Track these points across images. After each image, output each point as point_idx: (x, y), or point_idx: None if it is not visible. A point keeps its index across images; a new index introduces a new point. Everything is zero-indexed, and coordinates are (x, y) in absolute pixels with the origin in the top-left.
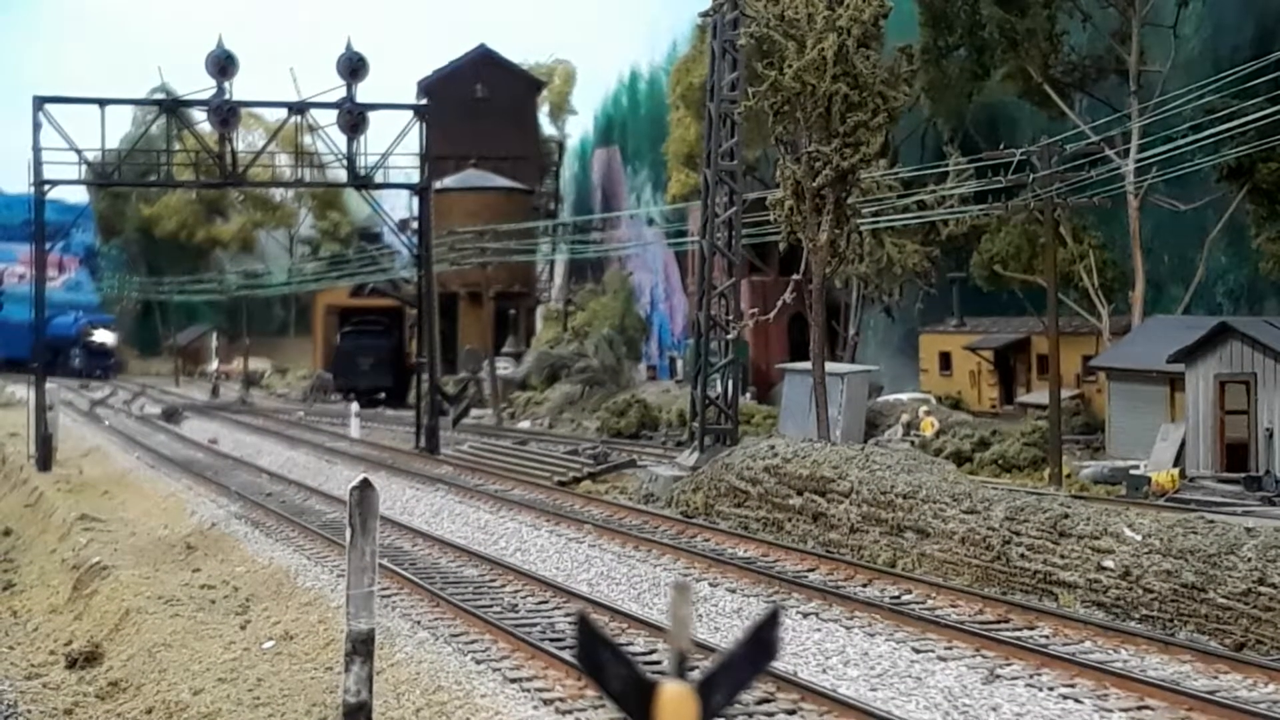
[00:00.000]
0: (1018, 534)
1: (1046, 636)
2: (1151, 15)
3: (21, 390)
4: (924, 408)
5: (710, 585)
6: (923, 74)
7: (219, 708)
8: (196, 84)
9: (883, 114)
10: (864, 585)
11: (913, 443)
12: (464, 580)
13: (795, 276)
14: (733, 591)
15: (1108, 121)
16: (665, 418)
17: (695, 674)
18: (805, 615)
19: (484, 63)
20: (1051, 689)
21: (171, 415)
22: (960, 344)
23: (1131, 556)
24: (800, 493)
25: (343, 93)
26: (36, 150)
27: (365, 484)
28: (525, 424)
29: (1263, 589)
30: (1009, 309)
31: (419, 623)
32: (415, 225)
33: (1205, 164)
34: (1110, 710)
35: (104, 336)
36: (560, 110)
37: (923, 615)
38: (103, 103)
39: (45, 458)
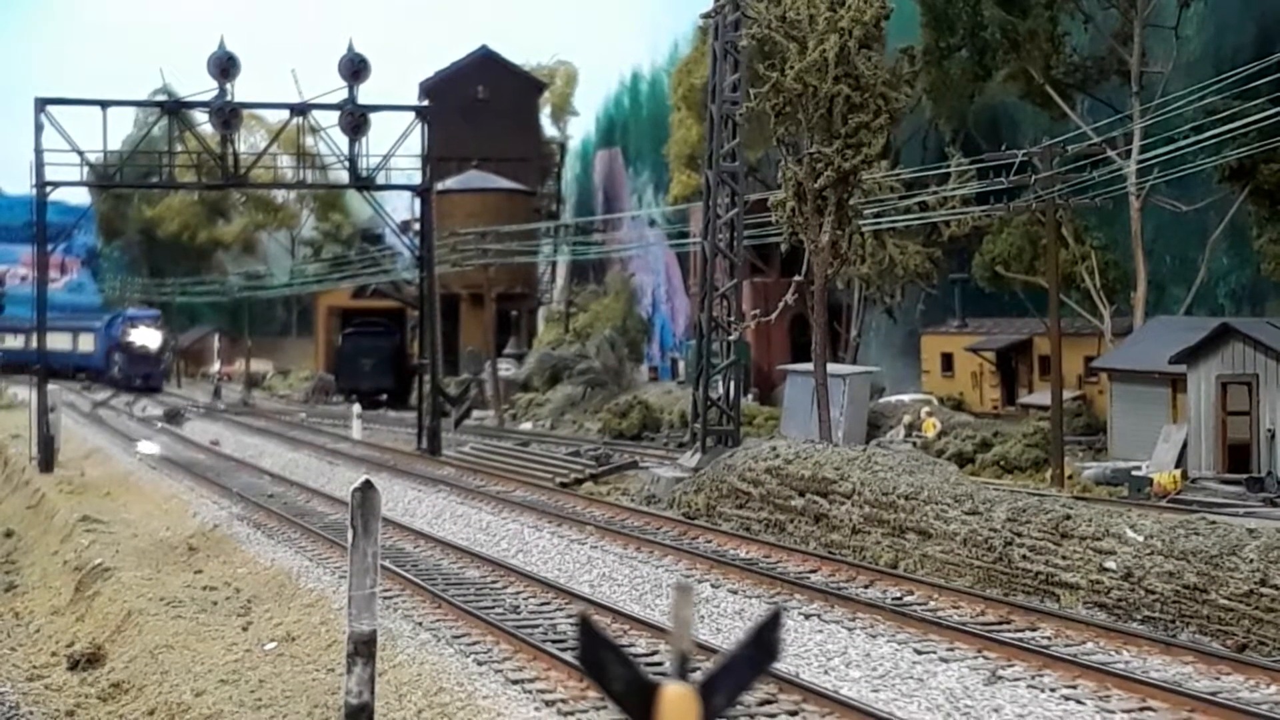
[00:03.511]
0: (1020, 535)
1: (1048, 638)
2: (1153, 16)
3: (24, 392)
4: (926, 409)
5: (712, 586)
6: (924, 75)
7: (221, 709)
8: (198, 85)
9: (884, 115)
10: (866, 587)
11: (914, 444)
12: (466, 581)
13: (797, 278)
14: (734, 593)
15: (1109, 122)
16: (667, 419)
17: (697, 675)
18: (807, 616)
19: (485, 64)
20: (1053, 690)
21: (173, 417)
22: (962, 345)
23: (1133, 557)
24: (802, 494)
25: (344, 94)
26: (38, 152)
27: (367, 485)
28: (527, 425)
29: (1265, 590)
30: (1011, 310)
31: (421, 624)
32: (417, 227)
33: (1207, 165)
34: (1112, 711)
35: (145, 337)
36: (562, 111)
37: (925, 616)
38: (104, 104)
39: (47, 459)
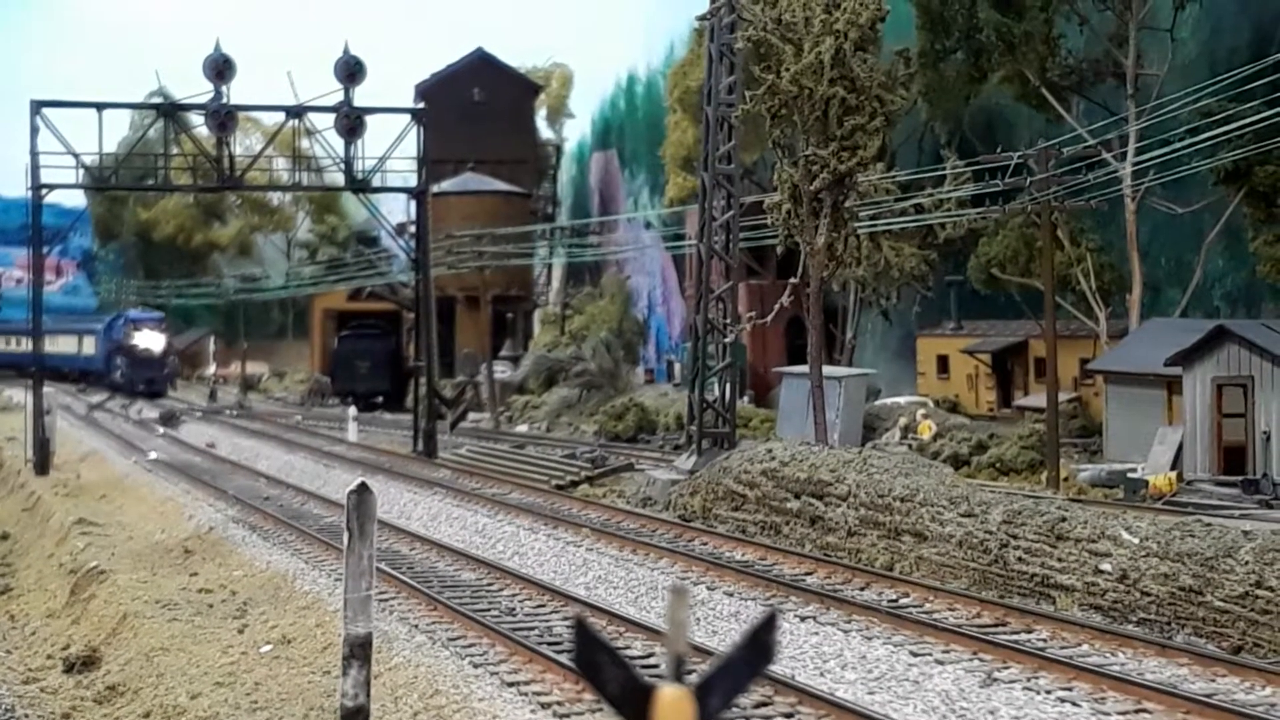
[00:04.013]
0: (1015, 537)
1: (1044, 639)
2: (1148, 18)
3: (19, 394)
4: (922, 411)
5: (708, 589)
6: (920, 77)
7: (217, 712)
8: (194, 88)
9: (880, 117)
10: (861, 588)
11: (910, 446)
12: (462, 584)
13: (793, 280)
14: (730, 595)
15: (1105, 125)
16: (663, 421)
17: (693, 677)
18: (803, 618)
19: (481, 66)
20: (1049, 692)
21: (169, 419)
22: (958, 347)
23: (1129, 559)
24: (798, 496)
25: (340, 96)
26: (34, 154)
27: (363, 488)
28: (523, 427)
29: (1260, 592)
30: (1006, 312)
31: (417, 626)
32: (413, 229)
33: (1202, 167)
34: (1108, 713)
35: (149, 340)
36: (558, 114)
37: (920, 618)
38: (100, 106)
39: (43, 462)
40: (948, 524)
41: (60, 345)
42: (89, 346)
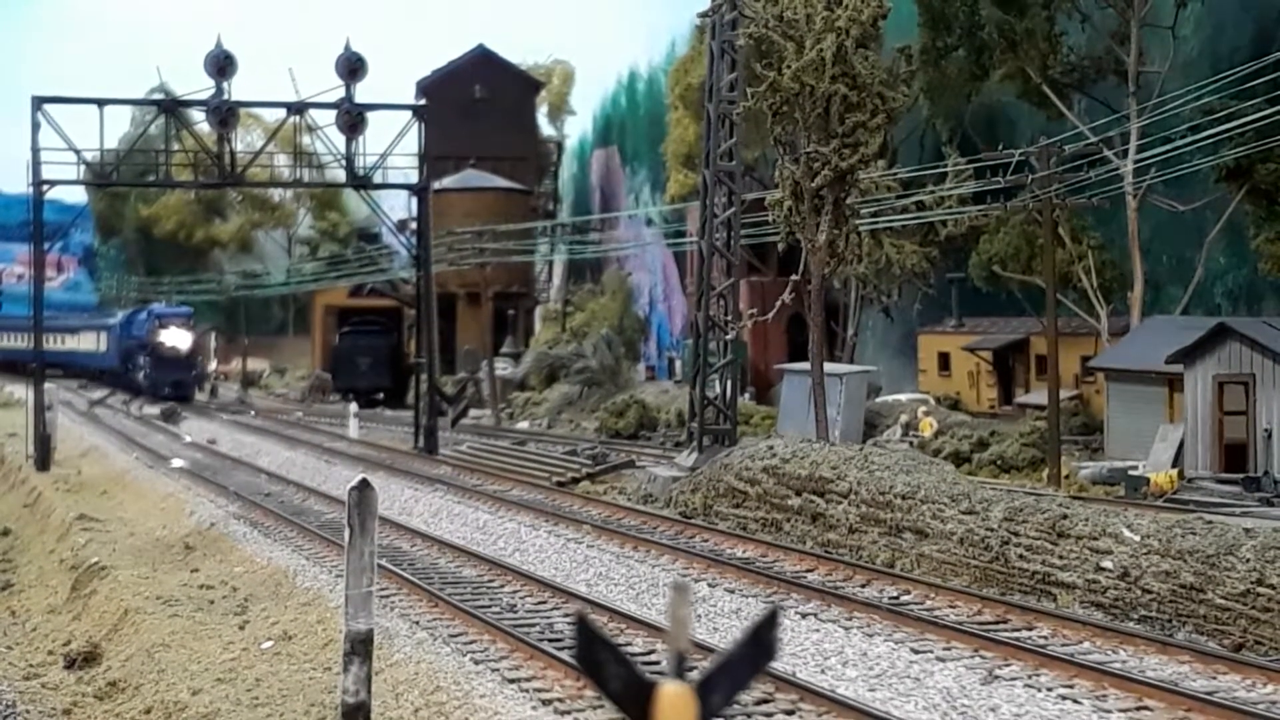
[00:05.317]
0: (1016, 534)
1: (1045, 637)
2: (1150, 16)
3: (20, 390)
4: (923, 408)
5: (709, 585)
6: (921, 74)
7: (217, 708)
8: (195, 84)
9: (881, 114)
10: (862, 586)
11: (911, 443)
12: (462, 580)
13: (794, 277)
14: (731, 592)
15: (1106, 122)
16: (664, 418)
17: (694, 674)
18: (804, 615)
19: (483, 63)
20: (1050, 689)
21: (170, 415)
22: (959, 344)
23: (1130, 557)
24: (799, 493)
25: (341, 93)
26: (35, 150)
27: (364, 484)
28: (524, 424)
29: (1261, 590)
30: (1008, 309)
31: (418, 623)
32: (414, 225)
33: (1204, 164)
34: (1109, 711)
35: (176, 337)
36: (559, 111)
37: (921, 616)
38: (101, 103)
39: (44, 457)
40: (949, 521)
41: (68, 342)
42: (101, 343)
